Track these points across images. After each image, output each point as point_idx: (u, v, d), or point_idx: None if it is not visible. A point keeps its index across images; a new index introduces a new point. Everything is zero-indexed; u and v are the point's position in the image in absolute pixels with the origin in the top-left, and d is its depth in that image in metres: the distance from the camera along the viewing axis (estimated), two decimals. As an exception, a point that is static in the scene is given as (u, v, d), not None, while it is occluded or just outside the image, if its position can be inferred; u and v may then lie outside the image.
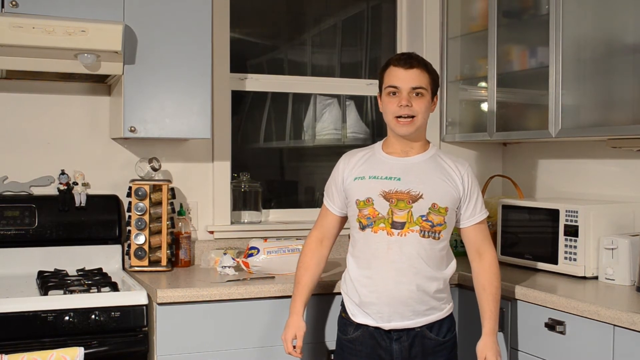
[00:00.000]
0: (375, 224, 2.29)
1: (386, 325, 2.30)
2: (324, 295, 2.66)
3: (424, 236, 2.27)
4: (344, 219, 2.49)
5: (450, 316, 2.40)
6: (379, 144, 2.44)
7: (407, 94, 2.30)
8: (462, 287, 2.84)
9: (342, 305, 2.43)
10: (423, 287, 2.28)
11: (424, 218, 2.27)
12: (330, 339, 2.69)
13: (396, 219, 2.27)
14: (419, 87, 2.30)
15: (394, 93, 2.32)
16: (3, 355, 2.19)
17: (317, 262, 2.49)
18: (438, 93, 3.49)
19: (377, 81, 3.62)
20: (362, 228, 2.32)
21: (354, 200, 2.34)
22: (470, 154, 3.65)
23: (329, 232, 2.51)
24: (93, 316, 2.41)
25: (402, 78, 2.30)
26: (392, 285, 2.27)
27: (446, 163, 2.37)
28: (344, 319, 2.41)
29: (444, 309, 2.36)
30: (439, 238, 2.30)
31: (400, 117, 2.30)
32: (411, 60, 2.33)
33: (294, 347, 2.41)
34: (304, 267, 2.49)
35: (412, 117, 2.30)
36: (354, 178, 2.36)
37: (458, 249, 3.42)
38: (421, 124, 2.34)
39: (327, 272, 2.92)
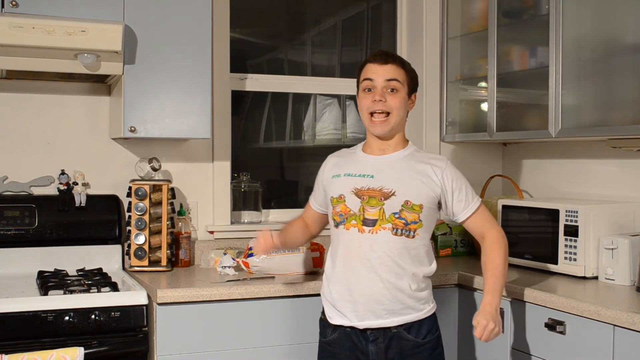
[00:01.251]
0: (347, 221, 2.28)
1: (360, 324, 2.27)
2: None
3: (396, 234, 2.25)
4: (323, 218, 2.51)
5: (431, 317, 2.34)
6: (361, 144, 2.45)
7: (381, 89, 2.30)
8: (462, 287, 2.84)
9: (323, 307, 2.42)
10: (396, 285, 2.25)
11: (396, 215, 2.25)
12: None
13: (367, 216, 2.26)
14: (393, 79, 2.30)
15: (369, 89, 2.32)
16: (3, 355, 2.19)
17: (301, 227, 2.56)
18: (437, 93, 3.54)
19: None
20: (336, 225, 2.32)
21: (329, 198, 2.36)
22: (470, 154, 3.65)
23: (310, 221, 2.56)
24: (93, 316, 2.42)
25: (377, 71, 2.31)
26: (364, 283, 2.25)
27: (423, 161, 2.34)
28: (323, 322, 2.40)
29: (422, 309, 2.31)
30: (413, 237, 2.27)
31: (374, 113, 2.30)
32: (386, 57, 2.33)
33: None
34: (287, 224, 2.58)
35: (387, 113, 2.30)
36: (332, 176, 2.38)
37: (458, 249, 3.43)
38: (396, 122, 2.32)
39: (320, 273, 2.91)
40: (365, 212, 2.27)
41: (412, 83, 2.37)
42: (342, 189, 2.32)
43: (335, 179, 2.37)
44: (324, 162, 2.48)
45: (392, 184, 2.28)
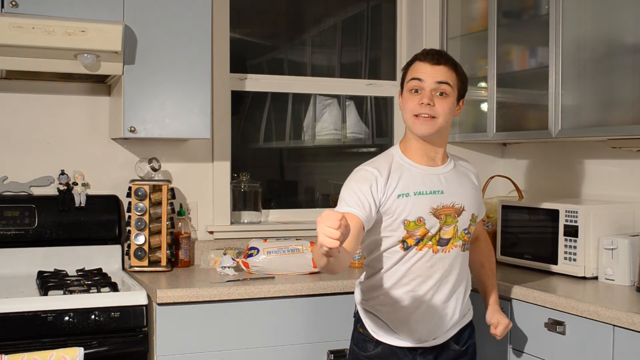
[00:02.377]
0: (421, 242, 2.13)
1: (415, 344, 2.19)
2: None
3: (463, 250, 2.21)
4: (362, 235, 2.07)
5: (470, 323, 2.33)
6: (395, 150, 2.23)
7: (430, 92, 2.11)
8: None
9: (359, 319, 2.27)
10: (462, 303, 2.24)
11: (466, 231, 2.19)
12: (331, 339, 2.69)
13: (443, 235, 2.15)
14: (445, 82, 2.11)
15: (417, 90, 2.13)
16: (3, 355, 2.18)
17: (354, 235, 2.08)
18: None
19: (376, 81, 3.67)
20: (406, 248, 2.13)
21: (402, 221, 2.11)
22: (470, 154, 3.65)
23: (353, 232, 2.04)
24: (93, 316, 2.42)
25: (427, 72, 2.12)
26: (431, 304, 2.16)
27: (465, 168, 2.30)
28: (363, 335, 2.25)
29: (466, 315, 2.30)
30: (468, 249, 2.28)
31: (418, 115, 2.12)
32: (439, 57, 2.15)
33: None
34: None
35: (433, 117, 2.12)
36: (397, 195, 2.11)
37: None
38: (442, 127, 2.14)
39: (320, 273, 2.91)
40: (442, 232, 2.14)
41: (463, 88, 2.20)
42: (419, 210, 2.11)
43: (403, 198, 2.11)
44: (372, 176, 2.11)
45: (460, 198, 2.18)
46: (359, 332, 2.27)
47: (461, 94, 2.20)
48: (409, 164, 2.19)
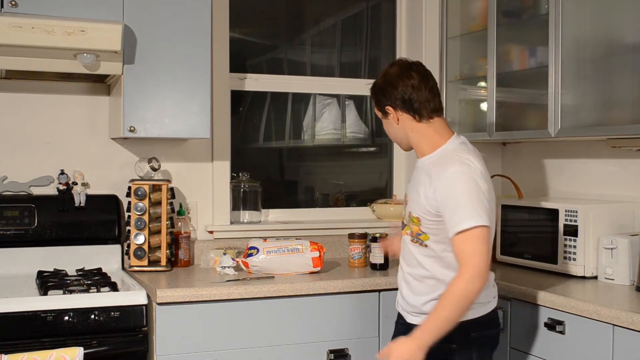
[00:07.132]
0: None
1: (398, 308, 2.42)
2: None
3: (413, 241, 2.29)
4: None
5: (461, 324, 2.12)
6: None
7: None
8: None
9: None
10: (413, 287, 2.29)
11: (405, 226, 2.34)
12: (331, 339, 2.70)
13: (404, 221, 2.36)
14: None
15: None
16: (3, 355, 2.19)
17: None
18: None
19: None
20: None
21: None
22: (470, 153, 3.65)
23: None
24: (92, 316, 2.42)
25: None
26: (400, 282, 2.37)
27: (435, 167, 2.18)
28: None
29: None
30: (426, 246, 2.22)
31: None
32: None
33: None
34: None
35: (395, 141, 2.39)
36: None
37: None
38: (402, 140, 2.33)
39: (326, 271, 2.92)
40: (404, 218, 2.36)
41: (379, 101, 2.30)
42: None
43: None
44: None
45: (409, 193, 2.33)
46: None
47: (383, 104, 2.29)
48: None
